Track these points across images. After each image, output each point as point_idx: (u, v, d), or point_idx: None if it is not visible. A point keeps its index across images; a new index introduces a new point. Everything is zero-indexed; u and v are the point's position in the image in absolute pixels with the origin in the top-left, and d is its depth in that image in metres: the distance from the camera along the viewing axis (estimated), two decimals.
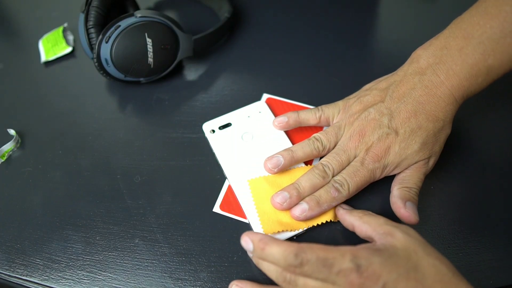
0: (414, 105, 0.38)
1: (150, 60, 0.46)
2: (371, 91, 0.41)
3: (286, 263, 0.30)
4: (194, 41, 0.48)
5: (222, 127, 0.44)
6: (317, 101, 0.46)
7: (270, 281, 0.33)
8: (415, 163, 0.38)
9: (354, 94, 0.42)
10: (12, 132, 0.45)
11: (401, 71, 0.40)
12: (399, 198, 0.36)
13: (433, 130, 0.37)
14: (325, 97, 0.45)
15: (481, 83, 0.37)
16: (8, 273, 0.37)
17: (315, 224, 0.37)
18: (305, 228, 0.37)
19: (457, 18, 0.39)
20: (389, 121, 0.38)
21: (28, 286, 0.36)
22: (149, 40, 0.44)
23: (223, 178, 0.41)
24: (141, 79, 0.48)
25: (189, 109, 0.47)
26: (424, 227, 0.37)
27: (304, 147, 0.40)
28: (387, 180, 0.39)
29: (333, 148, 0.40)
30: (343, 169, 0.38)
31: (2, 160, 0.44)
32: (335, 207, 0.38)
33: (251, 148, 0.42)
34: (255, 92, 0.48)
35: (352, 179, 0.37)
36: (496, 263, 0.35)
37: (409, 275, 0.29)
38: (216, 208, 0.39)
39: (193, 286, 0.35)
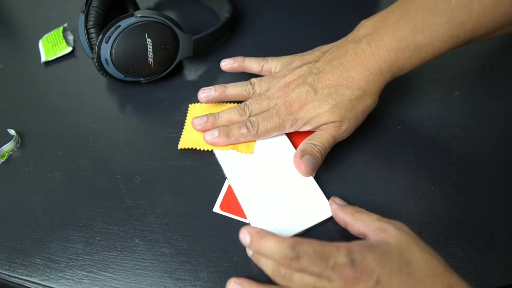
0: (339, 69, 0.40)
1: (150, 60, 0.46)
2: (314, 51, 0.44)
3: (282, 255, 0.30)
4: (194, 41, 0.48)
5: None
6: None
7: (270, 281, 0.33)
8: (326, 124, 0.40)
9: (302, 53, 0.45)
10: (12, 132, 0.45)
11: (344, 38, 0.42)
12: (300, 150, 0.39)
13: (349, 96, 0.39)
14: (274, 56, 0.45)
15: (409, 60, 0.38)
16: (8, 273, 0.37)
17: (311, 221, 0.37)
18: (304, 228, 0.37)
19: None
20: (313, 80, 0.40)
21: (28, 286, 0.36)
22: (149, 40, 0.44)
23: (223, 178, 0.41)
24: (141, 79, 0.48)
25: None
26: (423, 227, 0.37)
27: (236, 87, 0.44)
28: (386, 183, 0.39)
29: None
30: (261, 113, 0.41)
31: (2, 160, 0.44)
32: (251, 142, 0.42)
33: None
34: None
35: (263, 123, 0.41)
36: (496, 263, 0.35)
37: (402, 269, 0.30)
38: (216, 208, 0.39)
39: (193, 286, 0.35)
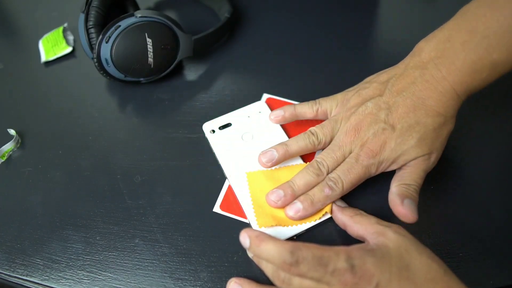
0: (413, 100, 0.37)
1: (150, 60, 0.46)
2: (370, 84, 0.40)
3: (281, 260, 0.30)
4: (194, 41, 0.48)
5: (222, 127, 0.44)
6: (319, 98, 0.46)
7: (270, 282, 0.33)
8: (414, 159, 0.36)
9: (354, 87, 0.41)
10: (12, 132, 0.45)
11: (403, 64, 0.39)
12: (397, 195, 0.35)
13: (432, 125, 0.36)
14: (327, 94, 0.45)
15: (486, 78, 0.36)
16: (8, 273, 0.37)
17: (312, 221, 0.37)
18: (304, 228, 0.37)
19: (463, 7, 0.37)
20: (386, 116, 0.37)
21: (28, 286, 0.36)
22: (149, 40, 0.44)
23: (223, 178, 0.41)
24: (141, 79, 0.48)
25: (189, 109, 0.47)
26: (423, 228, 0.37)
27: (299, 141, 0.39)
28: (388, 180, 0.39)
29: (329, 142, 0.39)
30: (338, 165, 0.37)
31: (2, 160, 0.44)
32: (331, 202, 0.37)
33: (251, 148, 0.42)
34: (255, 92, 0.48)
35: (346, 177, 0.36)
36: (496, 263, 0.35)
37: (401, 274, 0.29)
38: (216, 208, 0.39)
39: (193, 286, 0.35)
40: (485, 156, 0.42)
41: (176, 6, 0.60)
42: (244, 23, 0.57)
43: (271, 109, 0.45)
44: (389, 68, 0.40)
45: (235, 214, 0.39)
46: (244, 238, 0.32)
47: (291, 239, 0.37)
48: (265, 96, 0.48)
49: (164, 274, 0.36)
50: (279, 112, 0.42)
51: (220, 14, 0.56)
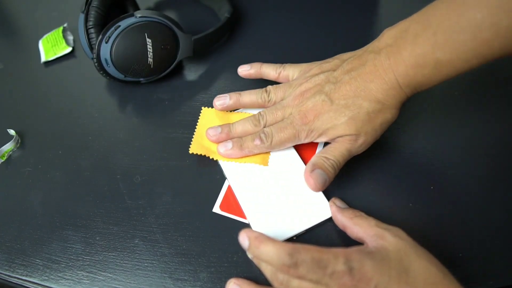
0: (357, 80, 0.38)
1: (150, 60, 0.46)
2: (333, 59, 0.42)
3: (280, 263, 0.30)
4: (194, 41, 0.48)
5: None
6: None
7: (270, 282, 0.33)
8: (341, 136, 0.38)
9: (322, 61, 0.43)
10: (12, 132, 0.45)
11: (366, 46, 0.40)
12: (311, 163, 0.38)
13: (367, 109, 0.37)
14: (292, 63, 0.45)
15: (429, 76, 0.36)
16: (8, 273, 0.37)
17: (311, 222, 0.37)
18: (304, 229, 0.37)
19: (433, 1, 0.36)
20: (330, 90, 0.39)
21: (28, 286, 0.36)
22: (149, 40, 0.44)
23: (223, 178, 0.41)
24: (141, 79, 0.48)
25: (189, 109, 0.47)
26: (423, 228, 0.37)
27: (252, 94, 0.43)
28: (387, 183, 0.39)
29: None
30: (275, 123, 0.40)
31: (2, 160, 0.44)
32: (266, 153, 0.41)
33: None
34: None
35: (277, 134, 0.39)
36: (496, 263, 0.35)
37: (400, 277, 0.29)
38: (216, 208, 0.39)
39: (193, 286, 0.35)
40: (485, 155, 0.42)
41: (176, 6, 0.60)
42: (244, 23, 0.57)
43: None
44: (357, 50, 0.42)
45: (235, 215, 0.39)
46: (243, 239, 0.32)
47: (290, 239, 0.37)
48: None
49: (164, 275, 0.36)
50: (246, 67, 0.46)
51: (220, 14, 0.56)
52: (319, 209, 0.38)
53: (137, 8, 0.53)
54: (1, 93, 0.51)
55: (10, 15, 0.61)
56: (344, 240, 0.36)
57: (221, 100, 0.43)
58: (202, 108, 0.45)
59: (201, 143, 0.42)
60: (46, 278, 0.36)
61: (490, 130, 0.44)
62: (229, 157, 0.41)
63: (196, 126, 0.44)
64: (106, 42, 0.44)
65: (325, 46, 0.53)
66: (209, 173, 0.42)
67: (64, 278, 0.36)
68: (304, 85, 0.40)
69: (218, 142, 0.41)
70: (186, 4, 0.59)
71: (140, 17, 0.44)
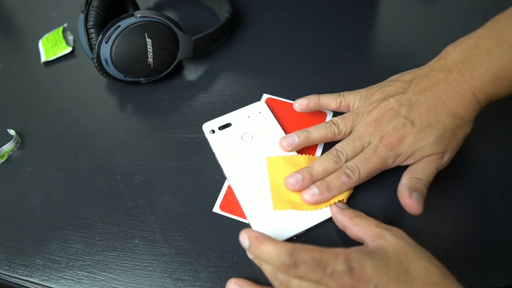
0: (434, 100, 0.37)
1: (150, 60, 0.46)
2: (394, 82, 0.41)
3: (280, 262, 0.30)
4: (194, 41, 0.48)
5: (222, 127, 0.44)
6: None
7: (270, 282, 0.33)
8: (429, 155, 0.37)
9: (378, 84, 0.42)
10: (12, 132, 0.45)
11: (428, 66, 0.40)
12: (406, 187, 0.36)
13: (451, 125, 0.37)
14: (349, 91, 0.45)
15: (507, 88, 0.37)
16: (8, 273, 0.37)
17: (312, 222, 0.37)
18: (304, 229, 0.37)
19: (495, 16, 0.38)
20: (407, 112, 0.38)
21: (28, 286, 0.36)
22: (149, 40, 0.44)
23: (223, 178, 0.41)
24: (141, 79, 0.48)
25: (189, 109, 0.47)
26: (423, 227, 0.37)
27: (320, 129, 0.41)
28: (389, 182, 0.39)
29: (349, 134, 0.40)
30: (356, 155, 0.38)
31: (2, 160, 0.44)
32: (348, 191, 0.38)
33: (251, 148, 0.42)
34: (255, 92, 0.48)
35: (363, 166, 0.37)
36: (495, 264, 0.35)
37: (399, 278, 0.30)
38: (216, 208, 0.39)
39: (193, 286, 0.35)
40: (485, 155, 0.42)
41: (176, 6, 0.60)
42: (244, 23, 0.57)
43: (271, 109, 0.45)
44: (414, 69, 0.41)
45: (235, 215, 0.39)
46: (244, 238, 0.32)
47: (290, 239, 0.37)
48: (265, 96, 0.48)
49: (164, 275, 0.36)
50: (303, 101, 0.43)
51: (220, 14, 0.56)
52: (318, 209, 0.38)
53: (137, 8, 0.53)
54: (1, 93, 0.51)
55: (10, 15, 0.61)
56: (344, 240, 0.36)
57: (288, 141, 0.41)
58: (266, 158, 0.41)
59: (282, 196, 0.38)
60: (46, 278, 0.36)
61: (491, 130, 0.44)
62: (317, 203, 0.38)
63: (269, 180, 0.40)
64: (106, 42, 0.44)
65: (325, 46, 0.53)
66: (209, 173, 0.42)
67: (64, 278, 0.36)
68: (375, 112, 0.39)
69: (302, 189, 0.38)
70: (186, 4, 0.59)
71: (140, 17, 0.44)
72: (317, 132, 0.41)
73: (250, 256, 0.35)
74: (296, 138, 0.41)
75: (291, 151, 0.41)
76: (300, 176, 0.38)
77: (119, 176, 0.42)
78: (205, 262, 0.36)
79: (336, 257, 0.30)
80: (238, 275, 0.35)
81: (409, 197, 0.35)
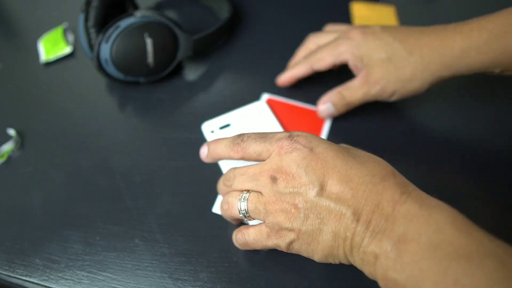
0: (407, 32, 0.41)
1: (150, 60, 0.45)
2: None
3: (232, 143, 0.34)
4: (194, 41, 0.48)
5: (222, 128, 0.44)
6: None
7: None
8: (369, 70, 0.41)
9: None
10: (12, 132, 0.45)
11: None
12: (327, 99, 0.44)
13: (402, 54, 0.39)
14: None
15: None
16: (8, 273, 0.37)
17: None
18: None
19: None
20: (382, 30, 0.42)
21: (28, 286, 0.36)
22: (148, 40, 0.44)
23: None
24: (141, 79, 0.48)
25: (189, 109, 0.47)
26: None
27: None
28: None
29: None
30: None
31: (2, 160, 0.44)
32: None
33: None
34: (255, 92, 0.48)
35: (320, 49, 0.44)
36: None
37: (341, 149, 0.30)
38: (216, 208, 0.39)
39: (193, 286, 0.35)
40: (485, 152, 0.42)
41: (176, 6, 0.60)
42: (244, 23, 0.57)
43: (272, 109, 0.45)
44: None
45: None
46: (203, 148, 0.37)
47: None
48: (265, 96, 0.48)
49: (164, 275, 0.36)
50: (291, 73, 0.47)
51: (220, 14, 0.56)
52: None
53: (137, 8, 0.53)
54: (1, 93, 0.51)
55: (10, 15, 0.61)
56: None
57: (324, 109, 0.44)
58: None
59: None
60: (46, 278, 0.36)
61: (491, 122, 0.44)
62: (284, 82, 0.47)
63: None
64: (106, 42, 0.44)
65: None
66: (209, 173, 0.42)
67: (64, 278, 0.36)
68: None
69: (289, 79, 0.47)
70: (186, 4, 0.59)
71: (140, 17, 0.44)
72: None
73: (206, 160, 0.37)
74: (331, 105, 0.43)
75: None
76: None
77: (119, 176, 0.42)
78: (205, 262, 0.36)
79: (278, 132, 0.32)
80: (238, 275, 0.35)
81: (322, 104, 0.43)
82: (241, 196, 0.32)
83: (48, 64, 0.53)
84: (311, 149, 0.29)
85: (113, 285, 0.35)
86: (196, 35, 0.48)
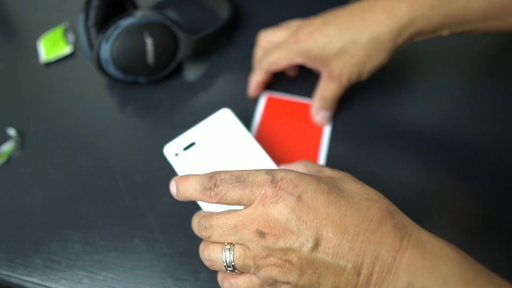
0: (363, 8, 0.40)
1: (150, 60, 0.45)
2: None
3: (202, 187, 0.29)
4: (194, 41, 0.48)
5: (186, 148, 0.39)
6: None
7: None
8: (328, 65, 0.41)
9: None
10: (12, 132, 0.45)
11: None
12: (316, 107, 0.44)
13: (365, 40, 0.39)
14: None
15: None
16: (8, 273, 0.37)
17: None
18: None
19: None
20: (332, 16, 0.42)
21: (28, 286, 0.36)
22: (149, 40, 0.44)
23: None
24: (141, 79, 0.48)
25: (189, 109, 0.47)
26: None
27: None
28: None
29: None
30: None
31: (2, 160, 0.44)
32: None
33: (222, 164, 0.38)
34: None
35: (271, 54, 0.44)
36: (496, 263, 0.35)
37: (331, 190, 0.27)
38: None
39: (193, 286, 0.35)
40: (487, 153, 0.42)
41: (176, 6, 0.60)
42: (244, 23, 0.57)
43: (272, 108, 0.45)
44: None
45: None
46: (172, 185, 0.31)
47: None
48: (265, 94, 0.48)
49: (164, 274, 0.36)
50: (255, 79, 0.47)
51: (220, 14, 0.56)
52: None
53: (137, 8, 0.53)
54: (1, 93, 0.51)
55: (10, 15, 0.61)
56: None
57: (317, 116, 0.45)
58: None
59: None
60: (46, 278, 0.36)
61: (492, 122, 0.44)
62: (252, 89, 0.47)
63: None
64: (106, 42, 0.44)
65: None
66: None
67: (64, 278, 0.36)
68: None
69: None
70: (186, 4, 0.59)
71: (140, 17, 0.44)
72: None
73: (178, 198, 0.32)
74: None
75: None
76: None
77: (119, 176, 0.42)
78: None
79: (257, 171, 0.28)
80: None
81: (316, 115, 0.43)
82: (224, 250, 0.28)
83: (48, 64, 0.53)
84: (299, 197, 0.26)
85: (113, 285, 0.35)
86: (196, 35, 0.48)
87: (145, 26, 0.44)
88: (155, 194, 0.41)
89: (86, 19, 0.45)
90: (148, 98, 0.49)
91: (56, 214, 0.40)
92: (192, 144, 0.39)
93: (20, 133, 0.46)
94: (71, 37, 0.56)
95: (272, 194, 0.26)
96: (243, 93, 0.48)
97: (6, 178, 0.43)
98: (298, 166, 0.34)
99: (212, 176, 0.29)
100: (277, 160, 0.42)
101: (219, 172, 0.29)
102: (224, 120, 0.41)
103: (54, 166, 0.43)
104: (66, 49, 0.54)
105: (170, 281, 0.35)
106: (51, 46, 0.54)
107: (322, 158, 0.43)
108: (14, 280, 0.36)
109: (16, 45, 0.57)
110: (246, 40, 0.54)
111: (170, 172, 0.42)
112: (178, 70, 0.51)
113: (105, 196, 0.41)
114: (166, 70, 0.48)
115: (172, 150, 0.39)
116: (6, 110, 0.49)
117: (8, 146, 0.44)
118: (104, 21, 0.46)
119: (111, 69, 0.45)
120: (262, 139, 0.45)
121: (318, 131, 0.45)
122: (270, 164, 0.38)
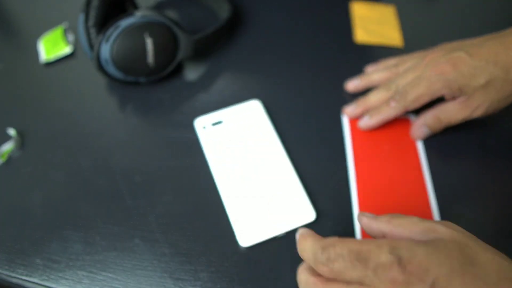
0: (497, 46, 0.38)
1: (150, 60, 0.46)
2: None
3: (314, 259, 0.26)
4: (194, 41, 0.48)
5: (214, 124, 0.44)
6: (318, 99, 0.46)
7: None
8: (468, 98, 0.38)
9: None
10: (12, 132, 0.45)
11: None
12: (422, 123, 0.41)
13: (503, 76, 0.37)
14: (325, 96, 0.45)
15: None
16: (8, 273, 0.37)
17: (293, 225, 0.37)
18: (285, 231, 0.37)
19: None
20: (469, 48, 0.38)
21: (28, 286, 0.36)
22: (149, 40, 0.44)
23: None
24: (141, 79, 0.48)
25: (189, 109, 0.47)
26: None
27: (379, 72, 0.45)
28: None
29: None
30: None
31: (2, 160, 0.44)
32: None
33: (239, 148, 0.42)
34: (255, 92, 0.48)
35: (411, 90, 0.39)
36: None
37: (465, 269, 0.24)
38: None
39: (193, 286, 0.35)
40: (492, 154, 0.42)
41: (176, 6, 0.60)
42: (244, 23, 0.57)
43: (356, 128, 0.44)
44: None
45: None
46: (297, 238, 0.29)
47: (273, 239, 0.37)
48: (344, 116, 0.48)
49: (164, 274, 0.36)
50: (355, 81, 0.47)
51: (220, 14, 0.56)
52: (302, 212, 0.38)
53: (137, 8, 0.53)
54: (1, 93, 0.51)
55: (10, 15, 0.61)
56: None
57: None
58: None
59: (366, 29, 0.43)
60: (46, 278, 0.36)
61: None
62: (371, 128, 0.42)
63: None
64: (106, 42, 0.44)
65: (325, 46, 0.53)
66: (209, 173, 0.42)
67: (64, 278, 0.36)
68: (432, 52, 0.41)
69: (357, 117, 0.44)
70: (186, 4, 0.59)
71: (140, 17, 0.44)
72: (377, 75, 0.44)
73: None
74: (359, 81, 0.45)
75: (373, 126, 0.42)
76: (355, 105, 0.43)
77: (119, 176, 0.42)
78: (205, 262, 0.36)
79: (379, 247, 0.25)
80: (239, 275, 0.35)
81: (418, 129, 0.41)
82: None
83: (48, 64, 0.53)
84: (433, 286, 0.23)
85: (113, 285, 0.35)
86: (196, 35, 0.48)
87: (145, 26, 0.44)
88: (155, 194, 0.41)
89: (86, 19, 0.46)
90: (148, 98, 0.49)
91: (56, 214, 0.40)
92: (219, 122, 0.44)
93: (20, 133, 0.46)
94: (71, 37, 0.56)
95: (403, 281, 0.24)
96: (243, 93, 0.48)
97: (6, 178, 0.43)
98: (408, 224, 0.28)
99: (324, 247, 0.26)
100: (379, 187, 0.40)
101: (333, 243, 0.26)
102: (252, 109, 0.45)
103: (54, 166, 0.43)
104: (66, 49, 0.54)
105: (170, 281, 0.35)
106: (51, 46, 0.54)
107: (427, 181, 0.40)
108: (14, 280, 0.36)
109: (16, 45, 0.57)
110: (246, 40, 0.54)
111: (170, 172, 0.42)
112: (178, 70, 0.51)
113: (105, 196, 0.41)
114: (166, 70, 0.48)
115: (202, 123, 0.44)
116: (6, 110, 0.49)
117: (8, 146, 0.44)
118: (104, 21, 0.46)
119: (111, 69, 0.45)
120: (360, 161, 0.42)
121: (412, 144, 0.43)
122: (285, 160, 0.41)
